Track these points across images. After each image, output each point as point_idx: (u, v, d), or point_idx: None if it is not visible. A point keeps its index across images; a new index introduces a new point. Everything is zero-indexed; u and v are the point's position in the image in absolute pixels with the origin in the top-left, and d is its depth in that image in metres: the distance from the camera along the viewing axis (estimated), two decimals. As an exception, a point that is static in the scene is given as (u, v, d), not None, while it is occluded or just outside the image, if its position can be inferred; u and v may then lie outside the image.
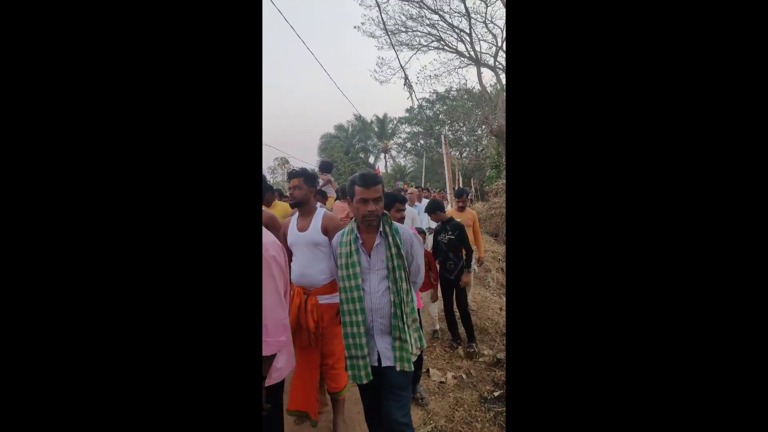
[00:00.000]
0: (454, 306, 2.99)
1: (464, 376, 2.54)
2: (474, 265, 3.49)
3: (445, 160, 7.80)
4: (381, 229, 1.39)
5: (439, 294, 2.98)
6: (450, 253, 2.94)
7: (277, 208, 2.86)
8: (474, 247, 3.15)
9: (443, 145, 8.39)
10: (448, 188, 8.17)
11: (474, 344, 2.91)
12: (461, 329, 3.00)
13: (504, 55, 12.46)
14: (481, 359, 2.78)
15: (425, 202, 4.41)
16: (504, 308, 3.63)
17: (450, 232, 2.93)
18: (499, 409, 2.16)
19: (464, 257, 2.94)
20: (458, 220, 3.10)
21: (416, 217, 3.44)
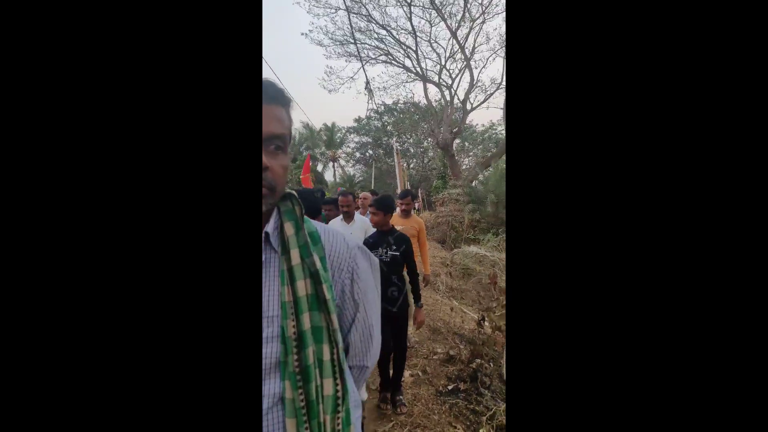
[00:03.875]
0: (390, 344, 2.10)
1: (420, 374, 2.67)
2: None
3: (396, 170, 8.06)
4: (273, 226, 0.57)
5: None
6: (392, 276, 2.04)
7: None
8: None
9: (395, 155, 8.66)
10: None
11: (400, 396, 2.21)
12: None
13: (447, 74, 13.28)
14: (434, 357, 2.94)
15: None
16: (454, 309, 3.85)
17: (393, 246, 2.07)
18: (454, 401, 2.32)
19: (410, 283, 2.16)
20: (401, 228, 2.43)
21: (369, 228, 2.54)
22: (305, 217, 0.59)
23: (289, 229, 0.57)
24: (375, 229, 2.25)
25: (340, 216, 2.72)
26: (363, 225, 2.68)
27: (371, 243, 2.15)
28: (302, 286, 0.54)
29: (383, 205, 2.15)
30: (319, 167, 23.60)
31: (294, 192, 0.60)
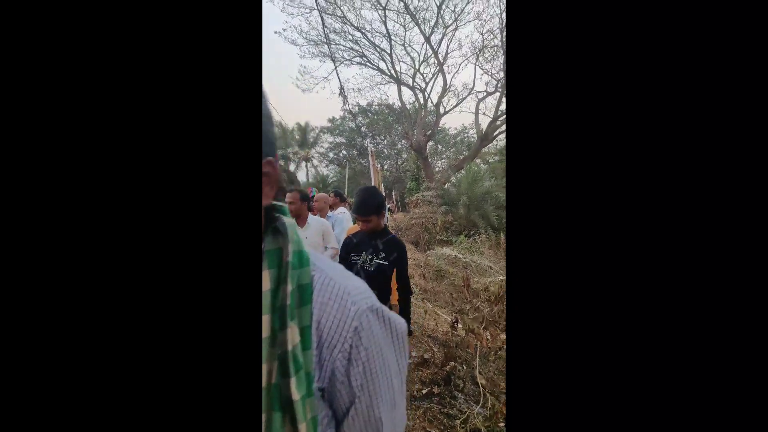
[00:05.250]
0: None
1: (395, 378, 2.66)
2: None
3: (371, 172, 8.04)
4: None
5: None
6: (374, 291, 1.19)
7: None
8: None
9: (370, 156, 8.65)
10: None
11: None
12: None
13: (421, 77, 13.44)
14: (409, 360, 2.94)
15: (342, 212, 3.13)
16: (427, 311, 3.89)
17: (382, 254, 1.64)
18: (427, 406, 2.33)
19: (399, 302, 1.69)
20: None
21: (328, 231, 2.32)
22: (304, 253, 0.41)
23: (266, 280, 0.40)
24: (338, 232, 2.04)
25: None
26: (320, 228, 2.28)
27: (353, 246, 1.70)
28: (264, 373, 0.38)
29: (371, 208, 1.59)
30: (292, 167, 23.18)
31: (283, 219, 0.43)
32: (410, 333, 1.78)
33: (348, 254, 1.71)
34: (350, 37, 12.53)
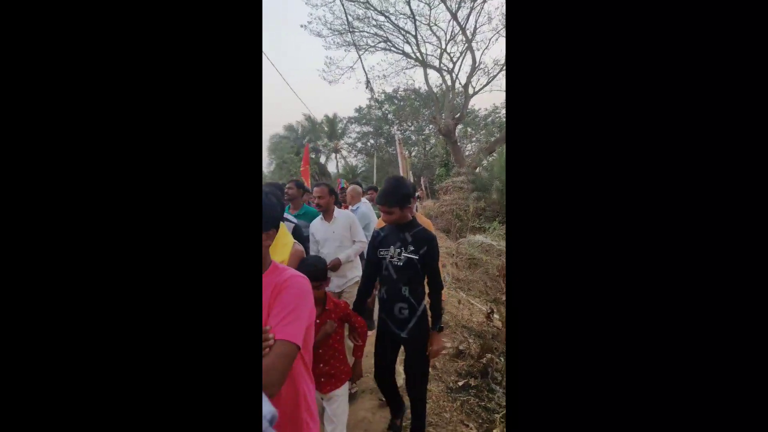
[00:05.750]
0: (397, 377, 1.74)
1: (430, 370, 2.63)
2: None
3: (399, 160, 7.94)
4: None
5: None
6: (404, 287, 1.51)
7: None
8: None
9: (397, 143, 8.55)
10: None
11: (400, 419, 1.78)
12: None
13: (448, 57, 12.99)
14: (444, 351, 2.90)
15: (364, 202, 2.91)
16: (461, 301, 3.81)
17: (411, 247, 1.51)
18: (464, 398, 2.28)
19: (428, 297, 1.57)
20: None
21: (355, 224, 2.23)
22: None
23: None
24: (366, 224, 2.07)
25: (321, 215, 2.27)
26: (347, 222, 2.21)
27: (380, 240, 1.60)
28: None
29: (393, 199, 1.50)
30: (322, 159, 23.55)
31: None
32: (441, 329, 1.64)
33: (376, 249, 1.64)
34: (374, 22, 12.32)
